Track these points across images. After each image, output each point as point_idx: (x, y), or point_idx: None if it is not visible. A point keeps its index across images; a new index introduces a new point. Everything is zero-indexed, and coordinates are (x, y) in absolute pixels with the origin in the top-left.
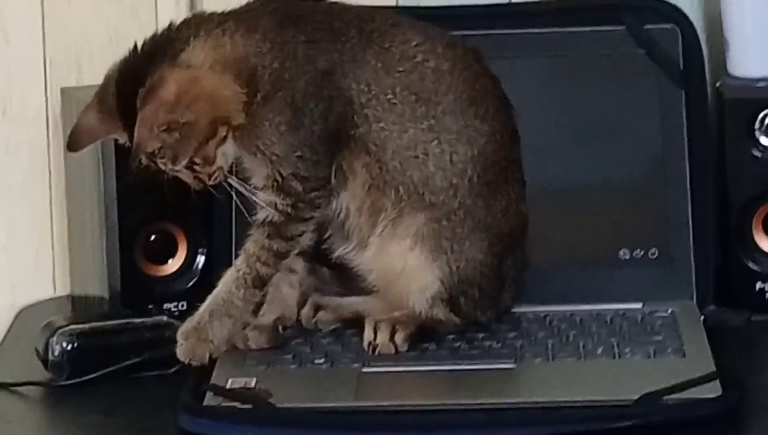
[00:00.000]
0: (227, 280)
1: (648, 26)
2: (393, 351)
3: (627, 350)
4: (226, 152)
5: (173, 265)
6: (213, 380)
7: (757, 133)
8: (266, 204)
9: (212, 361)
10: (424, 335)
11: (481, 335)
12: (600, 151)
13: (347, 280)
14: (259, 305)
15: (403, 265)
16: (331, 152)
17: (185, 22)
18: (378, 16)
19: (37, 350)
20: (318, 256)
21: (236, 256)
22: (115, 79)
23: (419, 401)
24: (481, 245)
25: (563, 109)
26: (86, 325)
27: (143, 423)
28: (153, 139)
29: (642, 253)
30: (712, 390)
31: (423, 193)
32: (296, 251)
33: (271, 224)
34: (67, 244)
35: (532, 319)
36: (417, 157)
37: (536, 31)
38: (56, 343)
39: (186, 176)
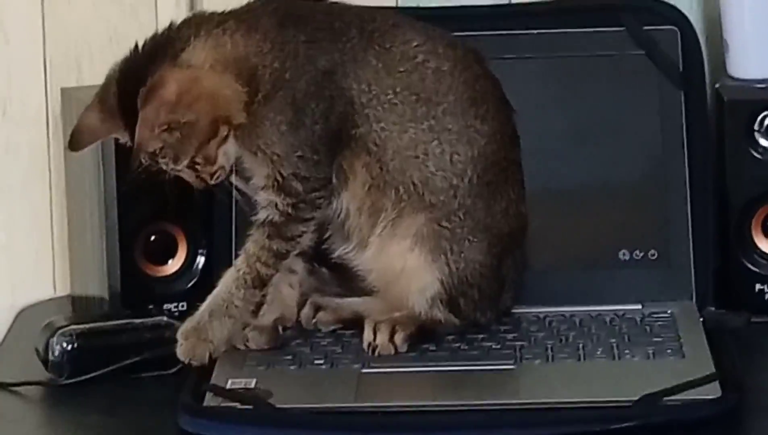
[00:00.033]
0: (227, 280)
1: (647, 27)
2: (392, 352)
3: (626, 351)
4: (228, 152)
5: (173, 265)
6: (213, 381)
7: (756, 134)
8: (267, 204)
9: (212, 361)
10: (423, 336)
11: (480, 336)
12: (599, 152)
13: (347, 280)
14: (259, 305)
15: (402, 266)
16: (331, 152)
17: (186, 21)
18: (379, 16)
19: (37, 350)
20: (318, 257)
21: (236, 256)
22: (116, 78)
23: (419, 402)
24: (481, 246)
25: (563, 110)
26: (86, 326)
27: (143, 423)
28: (154, 139)
29: (641, 254)
30: (711, 391)
31: (423, 194)
32: (296, 252)
33: (271, 224)
34: (67, 244)
35: (531, 320)
36: (417, 157)
37: (536, 31)
38: (56, 344)
39: (188, 176)
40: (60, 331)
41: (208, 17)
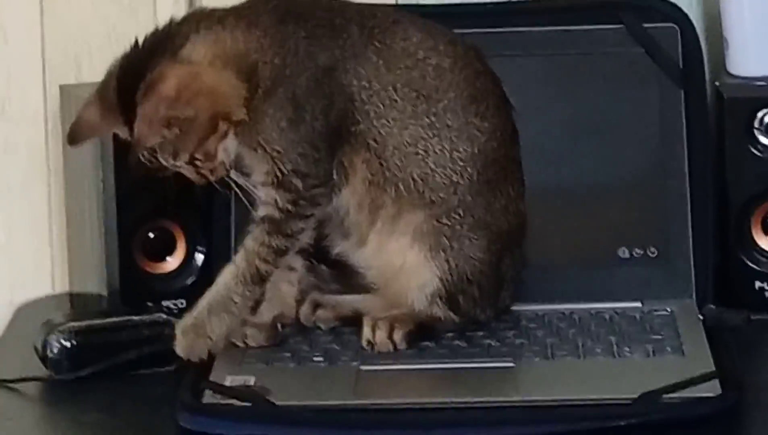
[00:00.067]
0: (226, 277)
1: (647, 25)
2: (391, 349)
3: (626, 349)
4: (228, 148)
5: (172, 262)
6: (212, 378)
7: (756, 132)
8: (266, 200)
9: (211, 357)
10: (422, 333)
11: (480, 334)
12: (599, 149)
13: (346, 277)
14: (257, 302)
15: (402, 263)
16: (332, 149)
17: (186, 18)
18: (379, 13)
19: (36, 348)
20: (317, 254)
21: (235, 253)
22: (116, 74)
23: (418, 399)
24: (481, 243)
25: (562, 107)
26: (85, 323)
27: (142, 420)
28: (153, 135)
29: (641, 252)
30: (711, 389)
31: (423, 191)
32: (296, 248)
33: (271, 221)
34: (65, 241)
35: (531, 317)
36: (417, 154)
37: (535, 29)
38: (55, 341)
39: (188, 172)
40: (59, 329)
41: (209, 13)
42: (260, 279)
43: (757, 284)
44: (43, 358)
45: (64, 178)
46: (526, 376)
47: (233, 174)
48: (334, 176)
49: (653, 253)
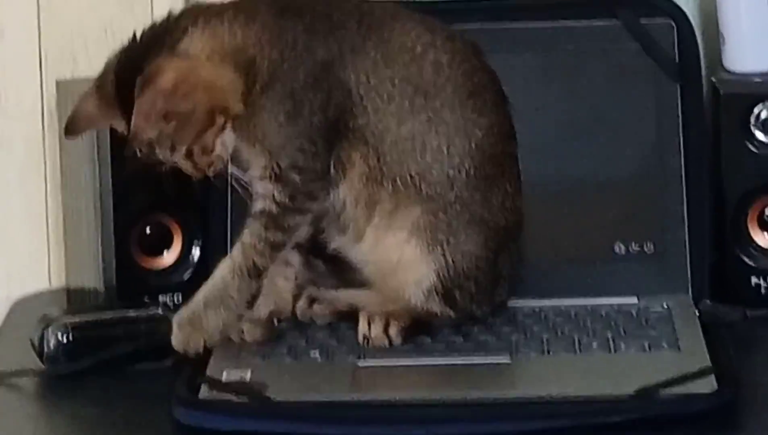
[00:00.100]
0: (222, 270)
1: (643, 20)
2: (387, 344)
3: (622, 344)
4: (225, 142)
5: (169, 257)
6: (208, 373)
7: (752, 127)
8: (264, 194)
9: (208, 352)
10: (418, 328)
11: (476, 329)
12: (595, 145)
13: (343, 273)
14: (254, 296)
15: (398, 257)
16: (329, 143)
17: (184, 12)
18: (377, 8)
19: (32, 342)
20: (314, 249)
21: (232, 248)
22: (114, 67)
23: (414, 395)
24: (477, 239)
25: (557, 103)
26: (81, 318)
27: (138, 415)
28: (150, 128)
29: (637, 247)
30: (707, 385)
31: (420, 185)
32: (292, 243)
33: (268, 215)
34: (62, 236)
35: (527, 313)
36: (414, 149)
37: (530, 25)
38: (51, 336)
39: (185, 166)
40: (55, 323)
41: (207, 8)
42: (256, 273)
43: (753, 280)
44: (40, 353)
45: (60, 173)
46: (522, 371)
47: (231, 168)
48: (332, 171)
49: (649, 248)
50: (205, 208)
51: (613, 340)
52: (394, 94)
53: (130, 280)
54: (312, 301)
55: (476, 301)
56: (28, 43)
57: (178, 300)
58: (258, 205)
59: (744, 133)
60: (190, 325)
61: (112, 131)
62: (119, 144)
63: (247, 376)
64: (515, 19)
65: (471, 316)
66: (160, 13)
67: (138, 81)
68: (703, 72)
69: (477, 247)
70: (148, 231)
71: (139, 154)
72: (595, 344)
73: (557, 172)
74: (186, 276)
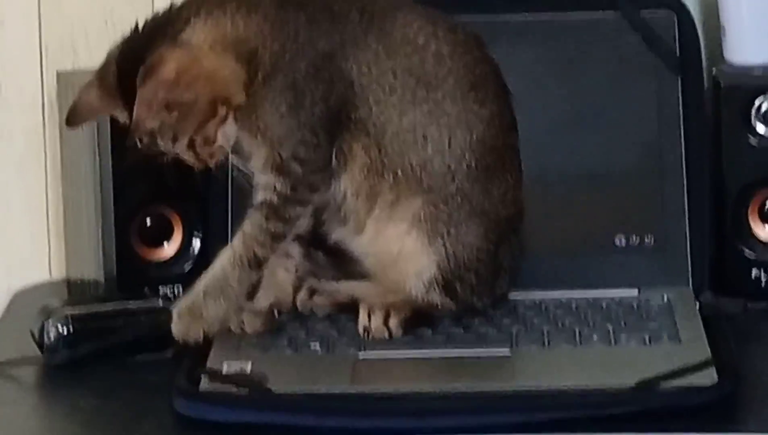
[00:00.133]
0: (223, 260)
1: (644, 12)
2: (387, 335)
3: (622, 337)
4: (227, 132)
5: (169, 248)
6: (209, 364)
7: (753, 120)
8: (265, 185)
9: (208, 343)
10: (419, 320)
11: (476, 321)
12: (595, 137)
13: (343, 264)
14: (254, 287)
15: (399, 249)
16: (331, 135)
17: (186, 2)
18: None
19: (32, 334)
20: (314, 241)
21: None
22: (116, 57)
23: (415, 387)
24: (478, 230)
25: (558, 95)
26: (82, 309)
27: (138, 407)
28: (152, 118)
29: (638, 239)
30: (707, 377)
31: (421, 177)
32: (293, 234)
33: (269, 205)
34: (62, 227)
35: (527, 305)
36: (416, 140)
37: (532, 17)
38: (52, 327)
39: (187, 156)
40: (55, 315)
41: None
42: (257, 263)
43: (754, 273)
44: (40, 344)
45: (61, 164)
46: (522, 363)
47: (232, 159)
48: (333, 162)
49: (650, 240)
50: (206, 199)
51: (614, 333)
52: (395, 85)
53: (131, 271)
54: (312, 292)
55: (477, 293)
56: (29, 34)
57: (178, 291)
58: (259, 196)
59: (745, 125)
60: (189, 314)
61: (113, 122)
62: (120, 135)
63: (248, 367)
64: (516, 10)
65: (471, 308)
66: (160, 4)
67: (140, 71)
68: (704, 64)
69: (478, 238)
70: (148, 222)
71: (140, 144)
72: (595, 336)
73: (558, 164)
74: (186, 267)
